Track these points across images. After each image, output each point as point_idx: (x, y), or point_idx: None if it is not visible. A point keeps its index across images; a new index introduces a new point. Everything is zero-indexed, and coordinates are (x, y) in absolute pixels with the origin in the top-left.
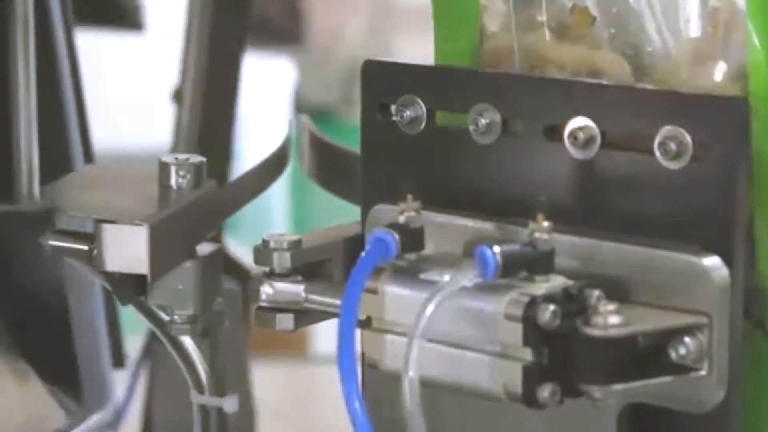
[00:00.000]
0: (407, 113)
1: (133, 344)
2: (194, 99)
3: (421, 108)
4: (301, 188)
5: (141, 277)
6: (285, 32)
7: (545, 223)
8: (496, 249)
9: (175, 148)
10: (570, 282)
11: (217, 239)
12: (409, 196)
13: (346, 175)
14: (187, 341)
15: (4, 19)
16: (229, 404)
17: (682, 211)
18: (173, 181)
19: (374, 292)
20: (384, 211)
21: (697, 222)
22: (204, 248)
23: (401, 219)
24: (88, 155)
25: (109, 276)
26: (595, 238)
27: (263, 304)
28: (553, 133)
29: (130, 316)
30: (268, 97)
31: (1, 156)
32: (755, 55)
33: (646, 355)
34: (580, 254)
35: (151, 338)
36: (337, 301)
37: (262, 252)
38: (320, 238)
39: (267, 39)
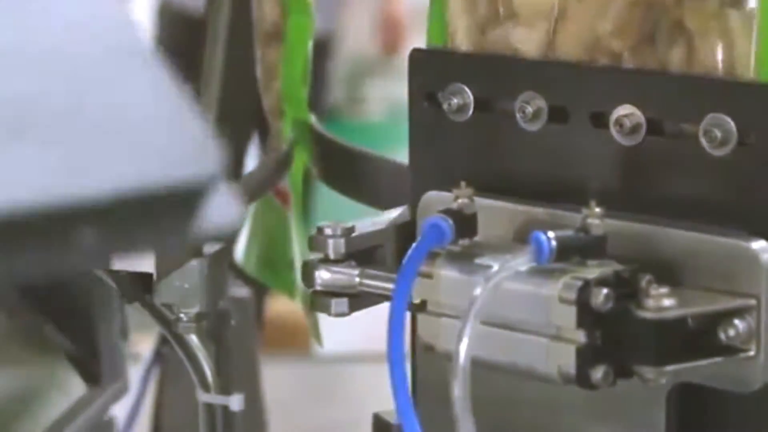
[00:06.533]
0: (455, 101)
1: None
2: (212, 98)
3: (469, 96)
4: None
5: (147, 276)
6: None
7: (597, 209)
8: (551, 234)
9: None
10: (622, 266)
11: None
12: (463, 183)
13: (351, 174)
14: (193, 340)
15: None
16: (235, 402)
17: (726, 196)
18: None
19: (429, 276)
20: (436, 197)
21: (742, 207)
22: (210, 246)
23: (455, 205)
24: None
25: (116, 274)
26: (645, 224)
27: (319, 288)
28: (600, 120)
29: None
30: None
31: None
32: None
33: (696, 337)
34: (631, 239)
35: (161, 341)
36: (391, 285)
37: (318, 238)
38: (372, 225)
39: None
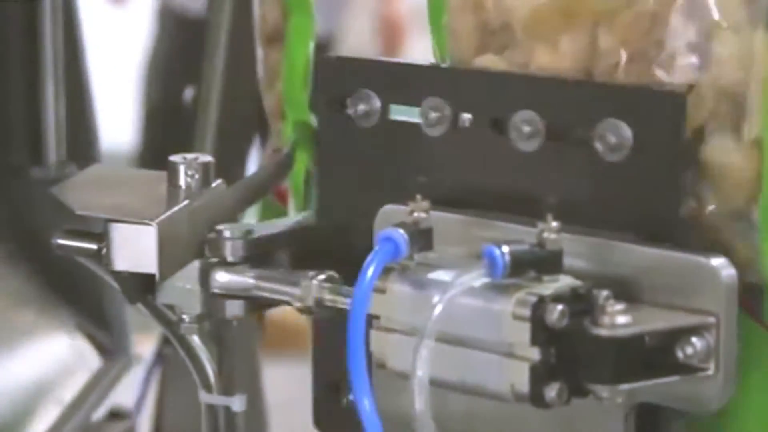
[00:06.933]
0: (361, 107)
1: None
2: (213, 100)
3: (375, 102)
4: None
5: (149, 277)
6: None
7: (554, 224)
8: (505, 248)
9: (195, 148)
10: (578, 282)
11: None
12: (418, 196)
13: None
14: (195, 340)
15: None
16: (238, 403)
17: (621, 201)
18: (182, 181)
19: (382, 291)
20: (393, 210)
21: (636, 212)
22: None
23: (410, 219)
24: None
25: (118, 275)
26: (604, 239)
27: (215, 291)
28: (500, 125)
29: None
30: None
31: (32, 125)
32: None
33: (653, 355)
34: (589, 254)
35: (163, 341)
36: (287, 288)
37: (215, 240)
38: (272, 228)
39: None
